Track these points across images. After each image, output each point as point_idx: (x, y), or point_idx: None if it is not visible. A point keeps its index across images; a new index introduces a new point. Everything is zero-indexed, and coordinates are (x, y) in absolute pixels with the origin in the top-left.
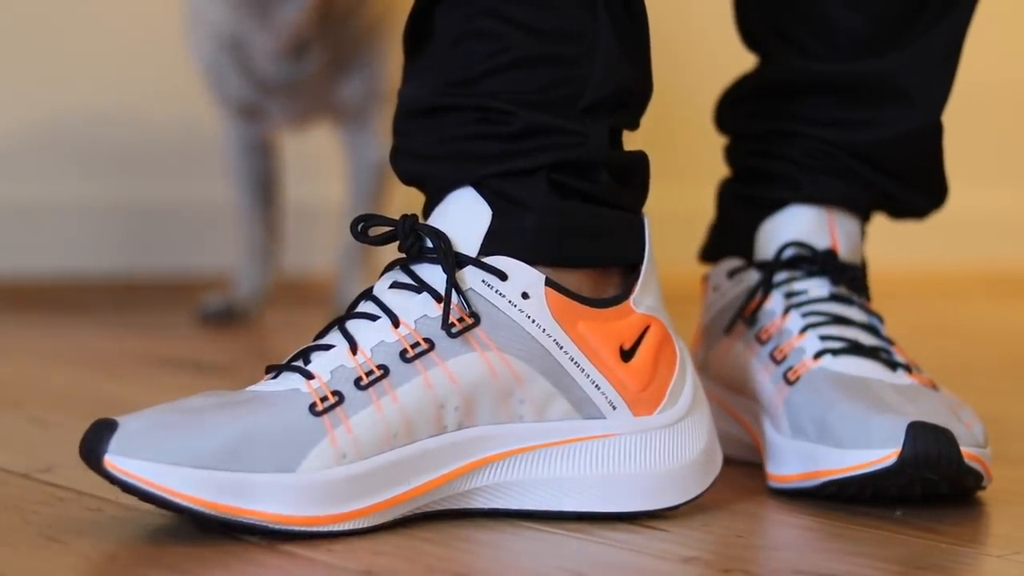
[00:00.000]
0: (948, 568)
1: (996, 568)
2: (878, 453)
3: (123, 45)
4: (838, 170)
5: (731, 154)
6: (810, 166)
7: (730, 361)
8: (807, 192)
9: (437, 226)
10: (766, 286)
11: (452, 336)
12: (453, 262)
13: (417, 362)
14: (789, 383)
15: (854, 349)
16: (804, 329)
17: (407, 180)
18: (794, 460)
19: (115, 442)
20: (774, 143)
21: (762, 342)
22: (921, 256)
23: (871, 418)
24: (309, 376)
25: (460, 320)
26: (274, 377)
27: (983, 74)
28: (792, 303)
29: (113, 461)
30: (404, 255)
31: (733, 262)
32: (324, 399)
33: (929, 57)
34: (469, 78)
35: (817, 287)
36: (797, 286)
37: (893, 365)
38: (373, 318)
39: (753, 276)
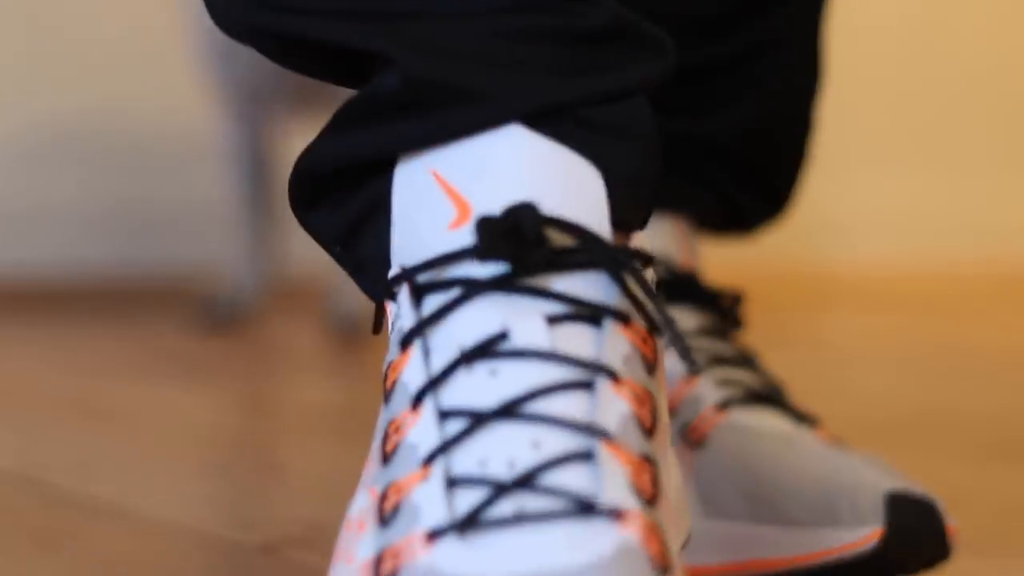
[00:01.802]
0: (949, 569)
1: (996, 568)
2: (854, 534)
3: (123, 44)
4: (683, 169)
5: None
6: None
7: None
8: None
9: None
10: None
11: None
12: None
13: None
14: (693, 446)
15: (756, 397)
16: None
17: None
18: (715, 546)
19: None
20: None
21: None
22: (922, 256)
23: (832, 487)
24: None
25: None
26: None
27: (984, 74)
28: None
29: None
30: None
31: None
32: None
33: (789, 34)
34: None
35: (683, 317)
36: None
37: (796, 416)
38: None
39: None
